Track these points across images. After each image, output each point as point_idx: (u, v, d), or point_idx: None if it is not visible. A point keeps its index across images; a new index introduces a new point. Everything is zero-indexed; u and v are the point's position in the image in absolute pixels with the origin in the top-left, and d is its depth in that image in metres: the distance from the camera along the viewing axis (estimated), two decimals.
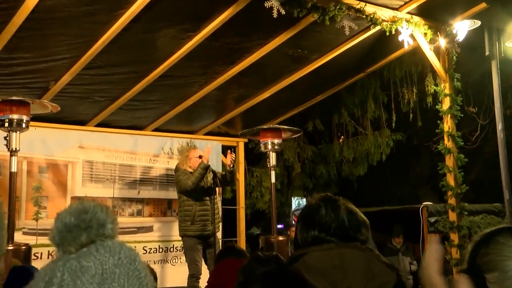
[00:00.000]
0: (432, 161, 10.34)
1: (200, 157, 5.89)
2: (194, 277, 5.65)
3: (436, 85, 6.25)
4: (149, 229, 6.79)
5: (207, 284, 3.22)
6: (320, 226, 1.72)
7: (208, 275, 5.61)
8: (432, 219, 7.68)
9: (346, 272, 1.58)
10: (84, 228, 0.86)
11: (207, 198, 5.82)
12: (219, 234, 6.25)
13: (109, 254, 0.85)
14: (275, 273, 1.65)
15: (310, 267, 1.60)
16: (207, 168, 5.67)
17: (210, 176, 5.84)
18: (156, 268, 6.58)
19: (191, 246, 5.71)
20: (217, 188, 5.96)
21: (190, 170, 5.86)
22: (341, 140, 10.99)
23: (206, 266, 5.76)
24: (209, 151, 5.92)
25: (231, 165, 5.91)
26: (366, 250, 1.66)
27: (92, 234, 0.87)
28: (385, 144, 10.27)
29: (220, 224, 6.59)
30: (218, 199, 6.16)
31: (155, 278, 3.14)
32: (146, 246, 6.64)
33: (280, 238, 5.82)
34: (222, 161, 6.28)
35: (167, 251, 6.80)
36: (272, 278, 1.65)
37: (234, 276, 2.36)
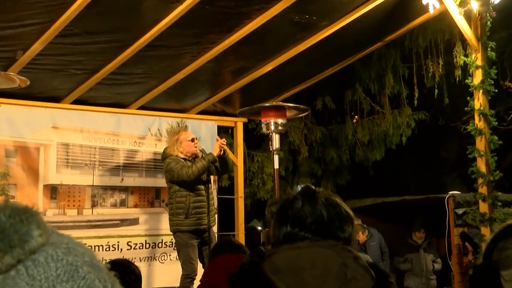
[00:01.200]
0: (460, 144, 10.33)
1: (193, 140, 5.88)
2: (188, 277, 5.67)
3: (467, 55, 6.22)
4: (134, 221, 6.82)
5: (199, 283, 3.24)
6: (293, 221, 1.72)
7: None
8: (460, 211, 7.70)
9: (317, 275, 1.59)
10: (3, 250, 0.79)
11: (202, 187, 5.83)
12: (215, 228, 6.26)
13: (43, 273, 0.80)
14: (241, 274, 1.68)
15: (276, 268, 1.60)
16: (214, 161, 5.69)
17: None
18: (142, 266, 6.61)
19: (185, 243, 5.73)
20: (211, 176, 5.97)
21: (182, 155, 5.86)
22: (354, 120, 10.98)
23: (201, 265, 5.79)
24: (220, 144, 5.87)
25: (221, 152, 5.90)
26: (343, 250, 1.65)
27: (16, 254, 0.79)
28: (405, 125, 10.26)
29: (216, 216, 6.61)
30: (214, 188, 6.17)
31: (138, 279, 3.15)
32: (130, 241, 6.67)
33: None
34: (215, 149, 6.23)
35: (155, 247, 6.83)
36: (238, 279, 1.67)
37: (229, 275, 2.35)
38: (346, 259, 1.62)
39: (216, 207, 6.10)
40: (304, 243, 1.66)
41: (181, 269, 5.77)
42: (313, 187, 1.83)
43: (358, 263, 1.62)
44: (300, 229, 1.70)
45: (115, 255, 6.31)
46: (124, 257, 6.24)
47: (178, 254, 5.89)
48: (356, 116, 10.93)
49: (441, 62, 8.77)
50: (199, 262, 5.83)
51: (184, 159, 5.84)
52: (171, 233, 6.01)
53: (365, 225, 8.72)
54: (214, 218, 5.95)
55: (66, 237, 0.87)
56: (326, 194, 1.78)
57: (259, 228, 14.29)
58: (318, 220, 1.70)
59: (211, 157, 5.68)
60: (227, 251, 3.18)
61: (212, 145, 7.31)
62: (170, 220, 5.89)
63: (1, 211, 0.82)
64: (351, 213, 1.78)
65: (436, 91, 9.00)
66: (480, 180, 5.98)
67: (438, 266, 8.89)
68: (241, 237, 7.43)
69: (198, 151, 5.89)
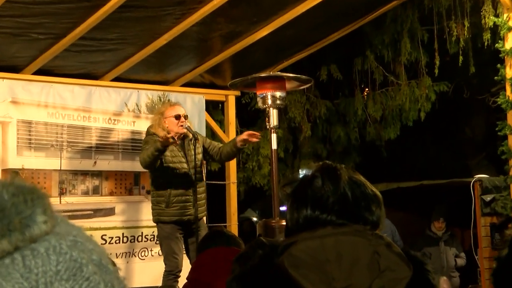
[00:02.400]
0: (488, 120, 10.35)
1: (178, 117, 5.83)
2: (171, 274, 5.71)
3: (497, 15, 6.19)
4: (109, 211, 6.83)
5: (186, 281, 3.24)
6: (314, 202, 1.72)
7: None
8: (488, 197, 7.71)
9: (345, 268, 1.58)
10: (1, 234, 0.78)
11: (187, 172, 5.83)
12: (205, 219, 6.29)
13: (41, 266, 0.79)
14: (253, 270, 1.66)
15: (297, 261, 1.60)
16: (161, 151, 5.52)
17: (190, 144, 5.83)
18: (120, 263, 6.62)
19: (167, 234, 5.78)
20: (200, 158, 5.96)
21: (163, 135, 5.83)
22: (365, 93, 10.98)
23: (188, 260, 5.82)
24: (252, 136, 5.88)
25: (244, 144, 5.95)
26: (373, 236, 1.64)
27: (15, 240, 0.78)
28: (424, 98, 10.27)
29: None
30: (203, 173, 6.16)
31: None
32: (105, 235, 6.68)
33: (284, 222, 5.84)
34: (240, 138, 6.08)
35: (134, 241, 6.85)
36: (251, 276, 1.66)
37: (223, 270, 2.35)
38: (378, 246, 1.61)
39: (205, 195, 6.09)
40: (327, 229, 1.66)
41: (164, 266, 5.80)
42: (333, 164, 1.82)
43: (392, 251, 1.62)
44: (322, 211, 1.70)
45: None
46: None
47: (160, 248, 5.95)
48: (367, 89, 10.93)
49: (466, 24, 8.74)
50: (186, 257, 5.85)
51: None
52: (153, 224, 6.05)
53: None
54: (203, 209, 5.95)
55: (77, 228, 0.87)
56: (349, 172, 1.78)
57: (254, 219, 14.36)
58: (342, 199, 1.71)
59: (159, 144, 5.48)
60: (218, 243, 3.18)
61: (199, 123, 7.33)
62: (152, 209, 5.93)
63: (4, 187, 0.81)
64: (378, 193, 1.78)
65: (461, 58, 8.98)
66: (511, 162, 6.00)
67: (461, 261, 8.94)
68: (233, 229, 7.45)
69: (185, 130, 5.86)
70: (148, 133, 5.87)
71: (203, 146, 6.00)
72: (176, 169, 5.79)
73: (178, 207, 5.76)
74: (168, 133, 5.77)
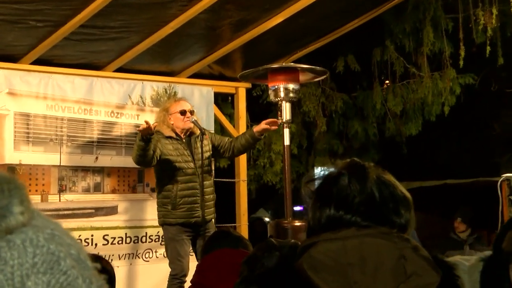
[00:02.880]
0: None
1: (184, 112, 5.85)
2: (176, 278, 5.74)
3: None
4: (111, 210, 6.85)
5: (190, 284, 3.25)
6: (338, 201, 1.71)
7: None
8: None
9: (368, 272, 1.58)
10: None
11: (194, 171, 5.85)
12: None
13: (17, 258, 0.79)
14: (272, 272, 1.66)
15: (317, 264, 1.60)
16: (146, 141, 5.43)
17: (197, 141, 5.86)
18: (122, 265, 6.66)
19: (172, 236, 5.82)
20: (208, 156, 5.96)
21: (168, 132, 5.86)
22: (384, 86, 10.94)
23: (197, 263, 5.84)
24: (272, 124, 5.95)
25: (263, 133, 6.00)
26: (399, 239, 1.64)
27: None
28: (448, 91, 10.22)
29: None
30: (210, 172, 6.17)
31: (110, 278, 3.17)
32: (107, 235, 6.70)
33: (297, 223, 5.84)
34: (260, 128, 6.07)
35: (138, 242, 6.87)
36: (268, 279, 1.66)
37: (229, 273, 2.36)
38: (404, 250, 1.61)
39: (214, 195, 6.09)
40: (350, 231, 1.65)
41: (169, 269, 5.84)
42: (361, 161, 1.82)
43: (419, 255, 1.62)
44: (346, 211, 1.70)
45: (90, 252, 6.35)
46: (100, 254, 6.28)
47: (166, 250, 5.98)
48: (387, 81, 10.89)
49: (494, 11, 8.67)
50: (196, 260, 5.88)
51: (170, 137, 5.84)
52: (158, 224, 6.09)
53: None
54: (212, 210, 5.96)
55: (54, 223, 0.88)
56: (378, 171, 1.78)
57: (267, 219, 14.36)
58: (369, 200, 1.70)
59: (139, 136, 5.47)
60: (224, 245, 3.18)
61: (207, 117, 7.33)
62: (157, 211, 5.98)
63: None
64: (408, 195, 1.77)
65: (488, 48, 8.91)
66: None
67: None
68: (243, 230, 7.46)
69: (191, 125, 5.88)
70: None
71: (212, 143, 6.01)
72: (182, 169, 5.81)
73: (185, 209, 5.79)
74: (177, 130, 5.82)
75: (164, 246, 6.15)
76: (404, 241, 1.64)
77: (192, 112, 5.94)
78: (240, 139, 6.12)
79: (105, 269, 3.16)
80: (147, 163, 5.70)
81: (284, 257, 1.70)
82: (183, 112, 5.87)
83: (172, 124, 5.89)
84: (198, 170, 5.81)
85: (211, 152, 6.03)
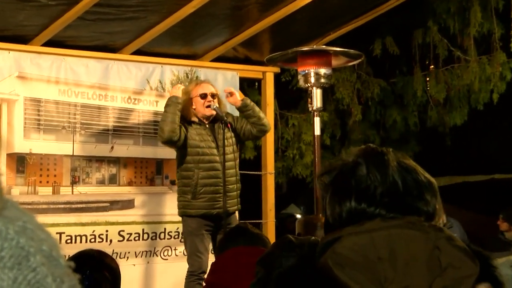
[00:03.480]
0: None
1: (204, 96, 5.87)
2: (194, 275, 5.79)
3: None
4: (128, 204, 6.89)
5: (204, 284, 3.26)
6: (359, 194, 1.70)
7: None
8: None
9: (399, 266, 1.57)
10: None
11: (217, 158, 5.87)
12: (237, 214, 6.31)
13: None
14: (292, 272, 1.65)
15: (343, 260, 1.59)
16: (177, 104, 5.74)
17: (221, 127, 5.90)
18: (139, 264, 6.69)
19: (192, 230, 5.85)
20: (232, 143, 5.98)
21: (191, 117, 5.93)
22: (427, 71, 10.86)
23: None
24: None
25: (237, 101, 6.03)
26: (431, 228, 1.63)
27: None
28: (497, 77, 10.13)
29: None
30: (235, 160, 6.18)
31: (114, 277, 3.18)
32: (123, 230, 6.73)
33: None
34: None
35: (156, 238, 6.90)
36: (287, 279, 1.65)
37: (245, 272, 2.36)
38: (437, 240, 1.60)
39: (239, 185, 6.11)
40: (375, 222, 1.65)
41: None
42: (379, 148, 1.81)
43: (454, 245, 1.60)
44: (369, 204, 1.69)
45: (102, 249, 6.38)
46: (114, 251, 6.33)
47: (184, 245, 6.04)
48: (432, 66, 10.81)
49: None
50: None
51: (193, 122, 5.87)
52: (177, 219, 6.15)
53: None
54: (236, 201, 5.99)
55: (28, 215, 0.87)
56: (397, 156, 1.77)
57: (298, 216, 14.34)
58: (392, 190, 1.70)
59: (170, 100, 5.79)
60: (241, 242, 3.19)
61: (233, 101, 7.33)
62: (177, 200, 6.03)
63: None
64: (432, 179, 1.76)
65: None
66: None
67: None
68: (270, 227, 7.46)
69: (213, 112, 5.89)
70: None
71: (234, 128, 6.01)
72: (204, 155, 5.84)
73: (206, 199, 5.81)
74: (198, 115, 5.85)
75: (183, 243, 6.20)
76: (437, 231, 1.62)
77: (214, 96, 5.94)
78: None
79: (109, 267, 3.17)
80: (175, 134, 5.73)
81: (304, 255, 1.70)
82: (203, 96, 5.88)
83: (194, 109, 5.91)
84: (222, 158, 5.84)
85: (235, 139, 6.03)
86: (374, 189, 1.70)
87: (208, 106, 5.89)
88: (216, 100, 5.96)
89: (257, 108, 6.13)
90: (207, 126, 5.95)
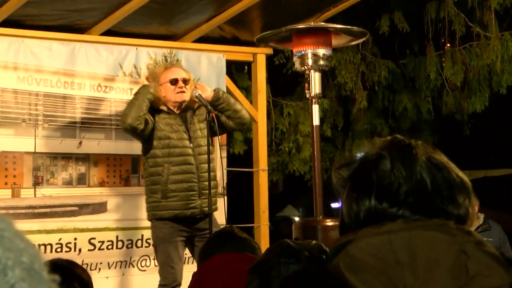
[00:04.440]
0: None
1: (175, 82, 5.87)
2: None
3: None
4: (99, 207, 6.89)
5: None
6: (380, 191, 1.70)
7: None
8: None
9: (421, 272, 1.56)
10: None
11: (190, 151, 5.87)
12: (219, 216, 6.28)
13: None
14: (298, 277, 1.65)
15: (357, 263, 1.58)
16: (147, 93, 5.78)
17: (194, 117, 5.91)
18: (113, 275, 6.69)
19: (164, 236, 5.84)
20: (205, 134, 5.96)
21: (159, 105, 5.93)
22: (442, 50, 10.88)
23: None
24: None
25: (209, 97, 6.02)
26: (459, 231, 1.62)
27: None
28: None
29: (221, 197, 6.61)
30: (217, 152, 6.16)
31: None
32: (94, 238, 6.73)
33: (329, 222, 5.84)
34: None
35: (132, 247, 6.90)
36: (294, 282, 1.65)
37: (233, 283, 2.36)
38: (465, 244, 1.59)
39: (220, 182, 6.10)
40: (396, 223, 1.64)
41: None
42: (406, 140, 1.80)
43: (484, 251, 1.60)
44: (392, 203, 1.69)
45: (71, 258, 6.39)
46: (84, 262, 6.31)
47: (155, 254, 6.01)
48: (447, 45, 10.83)
49: None
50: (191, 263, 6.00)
51: (161, 111, 5.87)
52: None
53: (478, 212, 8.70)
54: (213, 201, 5.96)
55: (5, 222, 0.87)
56: (427, 150, 1.76)
57: (296, 218, 14.38)
58: (418, 188, 1.69)
59: (140, 89, 5.88)
60: (227, 248, 3.19)
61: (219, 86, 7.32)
62: (146, 202, 6.02)
63: None
64: (466, 179, 1.76)
65: None
66: None
67: None
68: (264, 231, 7.48)
69: (184, 98, 5.89)
70: None
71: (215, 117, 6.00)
72: (175, 147, 5.84)
73: (178, 198, 5.80)
74: (168, 104, 5.84)
75: (154, 250, 6.15)
76: (465, 234, 1.62)
77: (186, 82, 5.94)
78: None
79: (80, 278, 3.18)
80: (139, 122, 5.72)
81: (309, 261, 1.69)
82: (173, 81, 5.88)
83: (164, 97, 5.89)
84: (196, 151, 5.85)
85: (209, 131, 5.98)
86: (398, 187, 1.69)
87: (181, 92, 5.88)
88: (188, 87, 5.96)
89: (232, 100, 6.13)
90: (177, 115, 5.93)
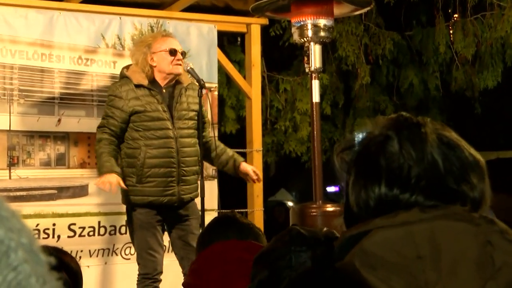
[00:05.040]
0: None
1: (174, 52, 5.81)
2: (146, 278, 5.81)
3: None
4: (80, 191, 6.90)
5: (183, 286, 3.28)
6: (389, 176, 1.69)
7: (182, 273, 5.79)
8: None
9: (444, 267, 1.56)
10: None
11: (171, 133, 5.83)
12: (210, 200, 6.29)
13: None
14: (307, 277, 1.64)
15: (374, 260, 1.58)
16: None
17: (183, 93, 5.88)
18: (95, 264, 6.70)
19: (141, 223, 5.82)
20: (191, 116, 5.94)
21: (140, 79, 5.81)
22: (451, 21, 10.88)
23: (176, 257, 5.95)
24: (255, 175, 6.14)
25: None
26: (481, 220, 1.62)
27: None
28: None
29: (215, 183, 6.62)
30: (209, 131, 6.16)
31: (75, 277, 3.18)
32: (74, 224, 6.74)
33: (330, 207, 5.86)
34: (245, 169, 6.16)
35: (115, 233, 6.92)
36: (302, 284, 1.64)
37: (235, 273, 2.38)
38: (490, 234, 1.59)
39: (197, 169, 6.05)
40: (412, 213, 1.63)
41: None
42: (414, 118, 1.79)
43: (509, 240, 1.60)
44: (403, 189, 1.68)
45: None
46: (63, 248, 6.32)
47: (132, 241, 6.00)
48: (456, 15, 10.82)
49: None
50: (171, 252, 5.99)
51: (141, 86, 5.80)
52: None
53: None
54: (193, 187, 5.91)
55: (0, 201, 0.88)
56: (437, 128, 1.75)
57: (290, 203, 14.40)
58: (430, 170, 1.68)
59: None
60: (228, 235, 3.19)
61: (209, 66, 7.30)
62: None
63: None
64: (479, 157, 1.75)
65: None
66: None
67: None
68: (258, 217, 7.51)
69: (179, 71, 5.85)
70: (122, 75, 5.90)
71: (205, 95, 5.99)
72: (154, 129, 5.78)
73: (154, 183, 5.77)
74: (160, 76, 5.79)
75: (130, 237, 6.14)
76: (489, 223, 1.62)
77: (184, 54, 5.92)
78: (225, 154, 6.16)
79: (69, 267, 3.17)
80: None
81: (321, 253, 1.69)
82: (173, 52, 5.82)
83: (154, 67, 5.84)
84: (177, 132, 5.81)
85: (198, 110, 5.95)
86: (408, 170, 1.68)
87: (178, 65, 5.83)
88: (189, 63, 5.96)
89: None
90: (163, 90, 5.88)
